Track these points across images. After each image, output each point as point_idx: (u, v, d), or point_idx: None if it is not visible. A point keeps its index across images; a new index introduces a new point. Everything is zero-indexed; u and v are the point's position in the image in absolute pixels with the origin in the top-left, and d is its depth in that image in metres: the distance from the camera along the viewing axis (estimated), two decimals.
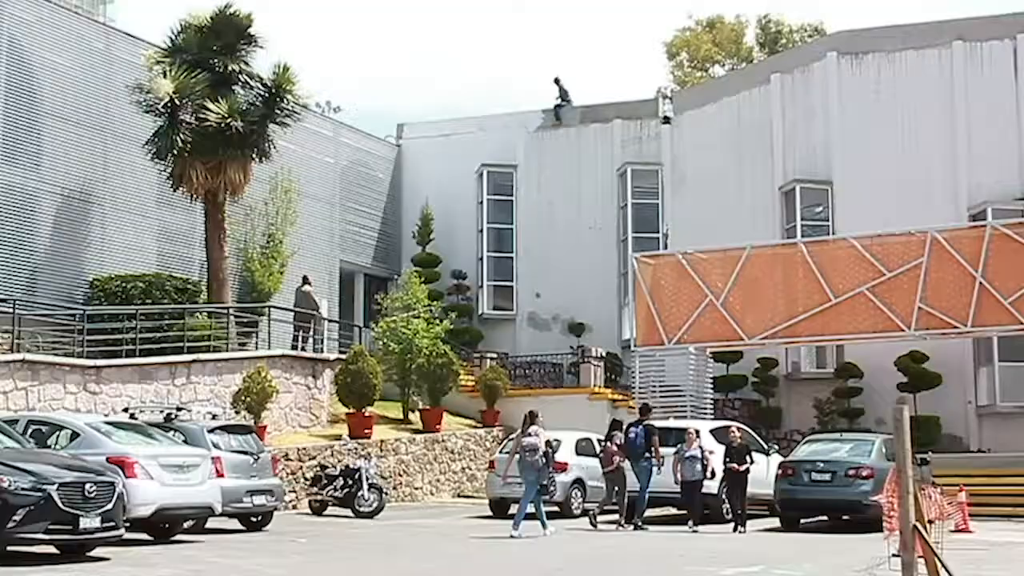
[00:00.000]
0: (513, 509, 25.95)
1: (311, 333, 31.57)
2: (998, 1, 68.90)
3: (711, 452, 23.64)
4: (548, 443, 20.56)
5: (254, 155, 30.39)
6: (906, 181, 33.38)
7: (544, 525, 20.22)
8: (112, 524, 15.19)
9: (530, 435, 20.28)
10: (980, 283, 27.70)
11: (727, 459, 23.01)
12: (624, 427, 23.76)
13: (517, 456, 20.66)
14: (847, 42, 35.30)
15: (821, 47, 36.92)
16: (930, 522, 14.29)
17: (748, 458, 22.87)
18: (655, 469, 22.90)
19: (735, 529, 22.11)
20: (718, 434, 25.26)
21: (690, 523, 22.33)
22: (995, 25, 33.61)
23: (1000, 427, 31.29)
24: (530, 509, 20.42)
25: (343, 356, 30.39)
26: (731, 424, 25.23)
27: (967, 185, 32.84)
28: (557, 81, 41.48)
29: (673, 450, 23.58)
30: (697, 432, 23.66)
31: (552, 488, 21.49)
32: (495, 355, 36.67)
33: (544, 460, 20.29)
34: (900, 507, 12.42)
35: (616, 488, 23.14)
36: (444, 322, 32.74)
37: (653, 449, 22.79)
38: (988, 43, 33.41)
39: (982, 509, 23.75)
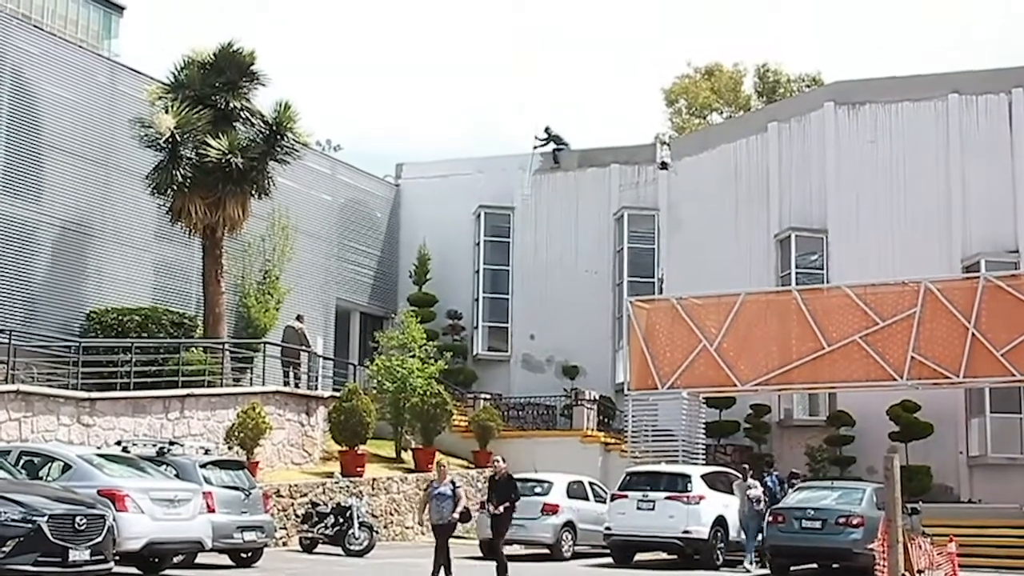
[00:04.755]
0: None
1: (300, 370, 31.60)
2: (994, 56, 69.60)
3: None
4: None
5: (253, 191, 30.52)
6: (900, 231, 33.56)
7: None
8: (101, 557, 15.20)
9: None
10: (973, 334, 27.79)
11: (487, 498, 19.72)
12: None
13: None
14: (844, 92, 35.56)
15: (818, 97, 37.18)
16: (920, 572, 14.36)
17: (512, 495, 19.29)
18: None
19: None
20: (710, 479, 25.33)
21: None
22: (990, 79, 33.90)
23: (991, 478, 31.28)
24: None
25: (337, 393, 30.40)
26: (498, 457, 21.45)
27: (961, 236, 33.01)
28: (547, 131, 41.61)
29: (663, 495, 23.70)
30: (445, 465, 20.03)
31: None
32: (488, 396, 36.68)
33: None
34: (889, 556, 12.50)
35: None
36: (439, 362, 32.77)
37: None
38: (983, 96, 33.67)
39: (972, 560, 23.74)
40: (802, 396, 34.11)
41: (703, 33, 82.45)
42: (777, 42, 79.04)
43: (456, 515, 18.44)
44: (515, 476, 27.41)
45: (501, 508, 18.81)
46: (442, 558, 18.09)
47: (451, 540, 18.50)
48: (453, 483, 18.80)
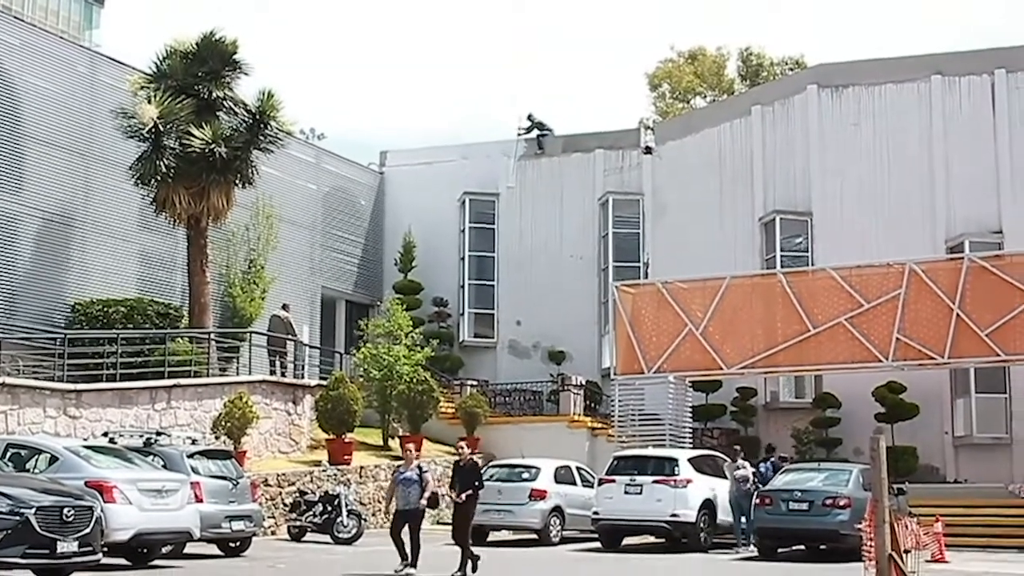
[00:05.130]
0: (492, 536, 26.14)
1: (287, 359, 31.59)
2: (976, 37, 69.77)
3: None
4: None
5: (237, 181, 30.44)
6: (885, 213, 33.65)
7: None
8: (90, 548, 15.18)
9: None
10: (957, 315, 27.89)
11: (450, 485, 18.94)
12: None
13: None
14: (827, 75, 35.60)
15: (802, 80, 37.22)
16: (906, 552, 14.42)
17: (477, 483, 18.61)
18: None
19: (460, 570, 17.83)
20: (697, 463, 25.42)
21: (401, 566, 17.86)
22: (973, 60, 33.97)
23: (976, 458, 31.43)
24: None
25: (324, 382, 30.40)
26: (462, 444, 20.24)
27: (945, 217, 33.10)
28: (530, 118, 41.57)
29: (651, 479, 23.79)
30: (415, 449, 19.67)
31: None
32: (475, 382, 36.70)
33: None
34: (876, 536, 12.56)
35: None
36: (425, 349, 32.78)
37: None
38: (966, 77, 33.73)
39: (958, 539, 23.85)
40: (788, 379, 34.18)
41: (686, 17, 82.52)
42: (760, 26, 79.14)
43: (424, 501, 18.04)
44: (504, 462, 27.73)
45: (464, 496, 18.17)
46: (407, 541, 17.79)
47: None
48: (420, 468, 18.40)
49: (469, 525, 18.31)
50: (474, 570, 17.88)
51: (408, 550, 17.81)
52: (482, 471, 19.41)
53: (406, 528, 17.89)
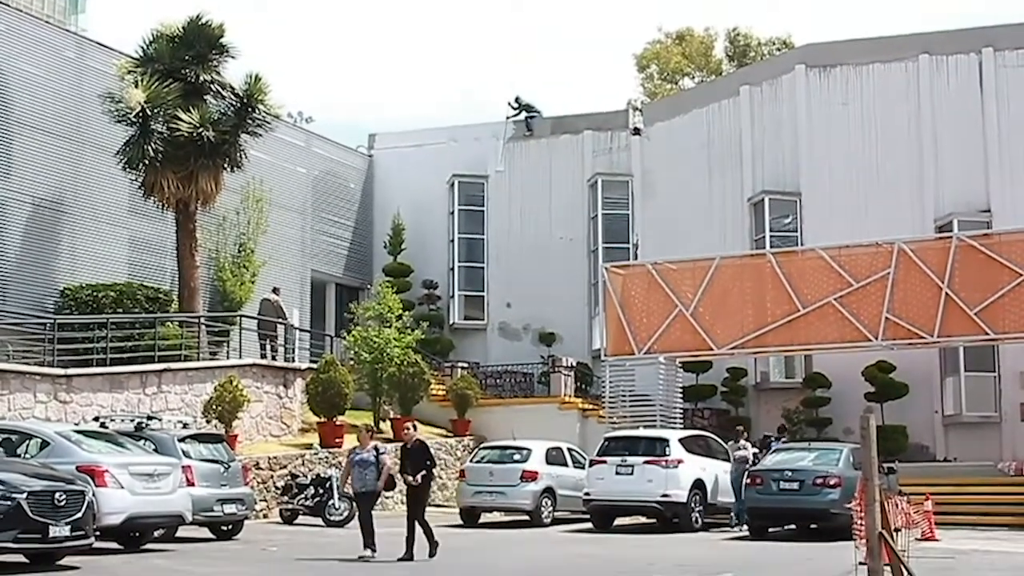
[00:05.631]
0: (484, 517, 26.22)
1: (277, 343, 31.59)
2: (963, 16, 69.73)
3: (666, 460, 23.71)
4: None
5: (226, 165, 30.40)
6: (873, 193, 33.70)
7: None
8: (82, 533, 15.20)
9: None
10: (946, 294, 27.99)
11: (400, 468, 18.55)
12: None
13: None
14: (815, 55, 35.60)
15: (789, 60, 37.21)
16: (896, 530, 14.49)
17: (428, 463, 18.11)
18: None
19: (407, 553, 17.47)
20: (687, 443, 25.50)
21: (367, 551, 17.44)
22: (960, 39, 33.98)
23: (966, 436, 31.56)
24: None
25: (314, 365, 30.40)
26: (408, 425, 19.36)
27: (933, 197, 33.16)
28: (518, 100, 41.46)
29: (642, 459, 23.88)
30: (372, 429, 19.02)
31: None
32: (466, 365, 36.73)
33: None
34: (866, 515, 12.61)
35: None
36: (415, 332, 32.79)
37: None
38: (954, 56, 33.75)
39: (948, 517, 24.01)
40: (778, 359, 34.28)
41: None
42: (747, 6, 79.04)
43: (381, 483, 17.69)
44: (495, 444, 27.81)
45: (419, 478, 17.79)
46: (369, 528, 17.50)
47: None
48: (377, 448, 18.00)
49: (423, 507, 17.92)
50: (432, 555, 17.52)
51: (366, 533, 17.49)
52: (431, 450, 18.88)
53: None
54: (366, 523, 17.61)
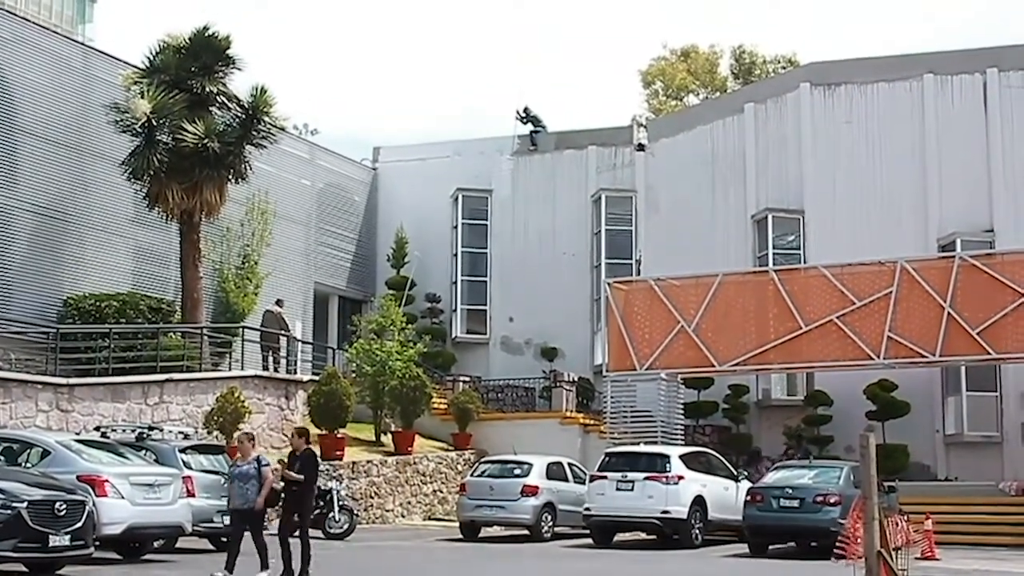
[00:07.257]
0: (484, 532, 26.19)
1: (280, 354, 31.60)
2: (968, 36, 69.95)
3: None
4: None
5: (230, 176, 30.46)
6: (876, 211, 33.72)
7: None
8: (82, 542, 15.22)
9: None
10: (949, 313, 27.98)
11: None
12: None
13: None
14: (820, 73, 35.67)
15: (794, 78, 37.26)
16: (896, 549, 14.47)
17: (308, 473, 16.49)
18: None
19: (263, 569, 15.99)
20: (688, 459, 25.47)
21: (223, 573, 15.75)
22: (965, 59, 34.06)
23: (967, 456, 31.53)
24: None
25: (316, 378, 30.42)
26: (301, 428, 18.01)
27: (937, 216, 33.18)
28: (526, 110, 41.51)
29: (642, 475, 23.86)
30: (251, 438, 16.89)
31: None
32: (468, 378, 36.72)
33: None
34: (865, 534, 12.61)
35: None
36: (418, 345, 32.81)
37: None
38: (958, 76, 33.81)
39: (949, 537, 23.95)
40: (780, 376, 34.23)
41: (679, 15, 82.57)
42: (753, 24, 79.19)
43: (260, 499, 15.91)
44: (496, 458, 27.80)
45: (295, 475, 16.13)
46: (236, 548, 15.84)
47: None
48: (259, 460, 16.22)
49: (292, 520, 16.31)
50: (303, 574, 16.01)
51: (235, 555, 15.89)
52: (318, 463, 17.35)
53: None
54: (258, 541, 15.92)
